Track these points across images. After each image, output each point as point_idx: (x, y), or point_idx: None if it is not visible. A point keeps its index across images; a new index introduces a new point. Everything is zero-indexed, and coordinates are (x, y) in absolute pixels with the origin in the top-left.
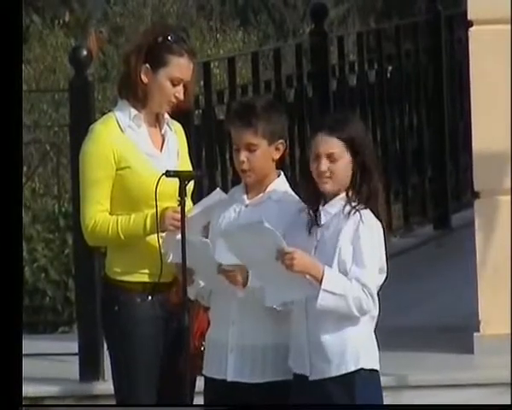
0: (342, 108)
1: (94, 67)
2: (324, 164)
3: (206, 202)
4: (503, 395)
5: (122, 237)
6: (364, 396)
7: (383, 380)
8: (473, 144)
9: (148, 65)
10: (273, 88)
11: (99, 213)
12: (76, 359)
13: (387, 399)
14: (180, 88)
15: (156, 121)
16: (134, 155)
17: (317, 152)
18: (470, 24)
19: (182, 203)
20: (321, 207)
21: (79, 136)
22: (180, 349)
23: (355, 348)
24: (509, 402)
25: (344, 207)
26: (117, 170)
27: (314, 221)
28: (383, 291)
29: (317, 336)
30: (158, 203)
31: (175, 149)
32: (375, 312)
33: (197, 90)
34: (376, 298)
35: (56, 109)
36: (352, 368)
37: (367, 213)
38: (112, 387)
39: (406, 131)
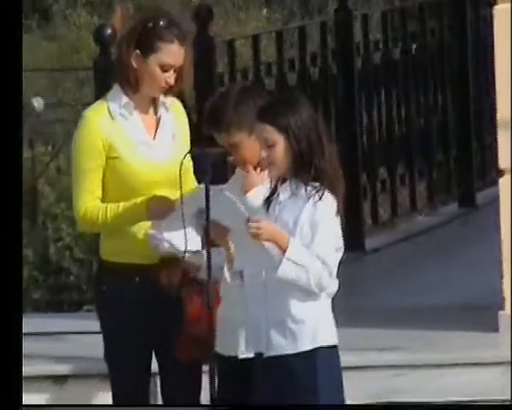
0: (366, 85)
1: None
2: (263, 151)
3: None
4: None
5: (111, 224)
6: (324, 373)
7: (407, 359)
8: (497, 122)
9: (138, 51)
10: (297, 66)
11: (90, 202)
12: (100, 337)
13: (408, 377)
14: (171, 73)
15: (151, 105)
16: (123, 144)
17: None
18: (495, 2)
19: (207, 186)
20: (279, 186)
21: None
22: (172, 333)
23: (313, 326)
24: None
25: (300, 186)
26: (107, 159)
27: (273, 198)
28: (408, 269)
29: (276, 311)
30: (150, 192)
31: (170, 132)
32: (334, 288)
33: (222, 69)
34: (335, 275)
35: (80, 88)
36: (309, 346)
37: (324, 192)
38: None
39: (431, 109)
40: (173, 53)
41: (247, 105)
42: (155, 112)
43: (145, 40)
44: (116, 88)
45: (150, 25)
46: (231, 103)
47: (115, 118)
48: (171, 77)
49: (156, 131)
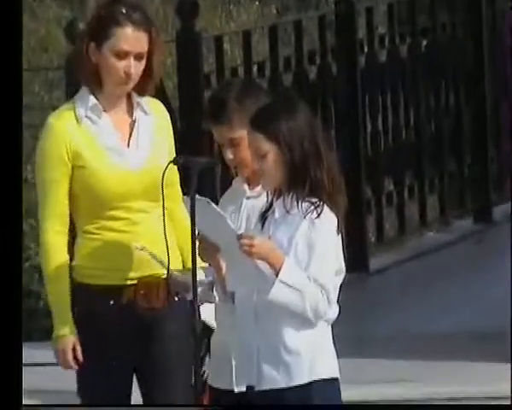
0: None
1: None
2: (255, 162)
3: None
4: None
5: (46, 278)
6: (323, 407)
7: (414, 393)
8: None
9: (93, 42)
10: (293, 65)
11: (59, 228)
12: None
13: None
14: (129, 62)
15: (124, 107)
16: (90, 152)
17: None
18: None
19: (192, 198)
20: (274, 201)
21: None
22: (151, 359)
23: (309, 358)
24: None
25: (296, 202)
26: (73, 168)
27: (268, 215)
28: (416, 293)
29: (268, 340)
30: (126, 204)
31: (148, 137)
32: (334, 315)
33: (208, 68)
34: (334, 301)
35: (50, 90)
36: (305, 380)
37: (323, 209)
38: None
39: (442, 112)
40: (128, 38)
41: (250, 99)
42: (131, 115)
43: (99, 29)
44: (84, 89)
45: (103, 12)
46: (234, 96)
47: (81, 122)
48: (130, 66)
49: (131, 135)
